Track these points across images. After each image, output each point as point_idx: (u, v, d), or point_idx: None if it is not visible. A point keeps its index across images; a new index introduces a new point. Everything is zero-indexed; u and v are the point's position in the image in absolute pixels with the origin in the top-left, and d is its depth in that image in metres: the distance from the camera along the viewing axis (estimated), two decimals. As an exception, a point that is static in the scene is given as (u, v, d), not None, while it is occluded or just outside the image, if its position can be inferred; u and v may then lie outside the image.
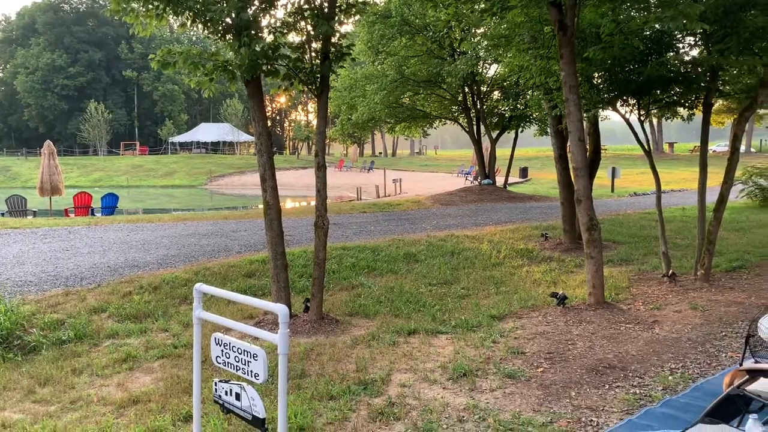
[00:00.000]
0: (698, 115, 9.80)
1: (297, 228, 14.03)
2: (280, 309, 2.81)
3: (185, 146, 72.03)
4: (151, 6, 6.53)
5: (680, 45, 9.61)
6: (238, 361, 3.06)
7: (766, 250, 10.71)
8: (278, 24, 7.08)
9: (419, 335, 6.40)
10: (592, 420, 4.19)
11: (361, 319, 7.30)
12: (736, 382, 3.76)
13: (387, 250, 11.27)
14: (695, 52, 9.98)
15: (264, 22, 6.98)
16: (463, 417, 4.31)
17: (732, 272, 9.21)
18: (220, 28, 6.56)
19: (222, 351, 3.14)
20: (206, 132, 70.83)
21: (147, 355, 6.15)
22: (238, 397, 3.09)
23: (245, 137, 69.25)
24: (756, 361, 4.18)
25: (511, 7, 6.99)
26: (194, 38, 76.37)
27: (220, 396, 3.19)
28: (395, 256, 10.78)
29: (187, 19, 6.67)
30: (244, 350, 3.01)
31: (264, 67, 6.84)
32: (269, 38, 6.99)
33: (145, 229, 14.23)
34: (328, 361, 5.64)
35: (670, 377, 4.90)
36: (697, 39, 9.33)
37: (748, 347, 4.75)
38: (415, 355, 5.73)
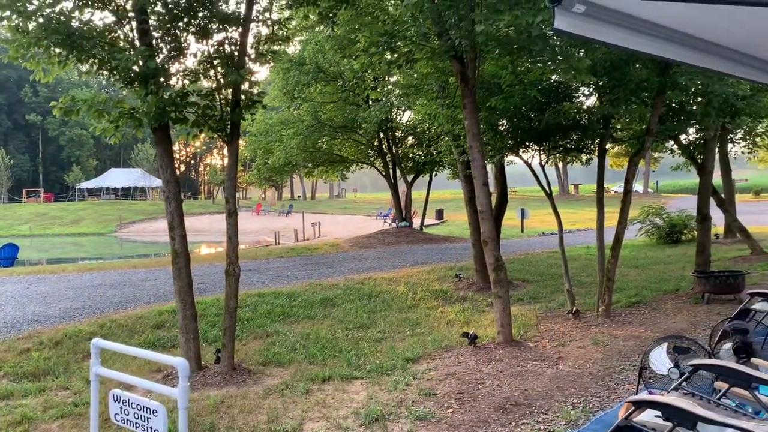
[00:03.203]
0: (596, 159, 10.49)
1: (210, 275, 13.71)
2: (179, 363, 2.78)
3: (94, 192, 69.09)
4: (52, 53, 6.38)
5: (576, 95, 10.31)
6: (137, 418, 2.97)
7: (661, 285, 11.41)
8: (187, 72, 7.08)
9: (334, 382, 6.37)
10: (499, 458, 4.30)
11: (275, 368, 7.19)
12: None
13: (304, 295, 11.20)
14: (591, 101, 10.74)
15: (172, 69, 6.96)
16: (375, 463, 4.32)
17: (631, 307, 9.74)
18: (127, 76, 6.47)
19: (121, 408, 3.05)
20: (116, 177, 68.40)
21: (45, 416, 5.79)
22: (137, 455, 3.00)
23: (158, 182, 67.23)
24: (650, 392, 4.45)
25: (417, 60, 7.32)
26: (104, 82, 74.18)
27: (118, 456, 3.08)
28: (312, 302, 10.73)
29: (92, 66, 6.55)
30: (144, 406, 2.94)
31: (172, 115, 6.79)
32: (178, 86, 6.96)
33: (48, 280, 13.50)
34: (238, 413, 5.52)
35: (572, 411, 5.11)
36: (590, 90, 10.04)
37: (641, 379, 5.05)
38: (328, 402, 5.70)
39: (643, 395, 4.33)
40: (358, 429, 4.97)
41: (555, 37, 6.99)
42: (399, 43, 7.64)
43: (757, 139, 14.78)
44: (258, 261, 16.60)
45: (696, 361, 3.59)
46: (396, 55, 7.48)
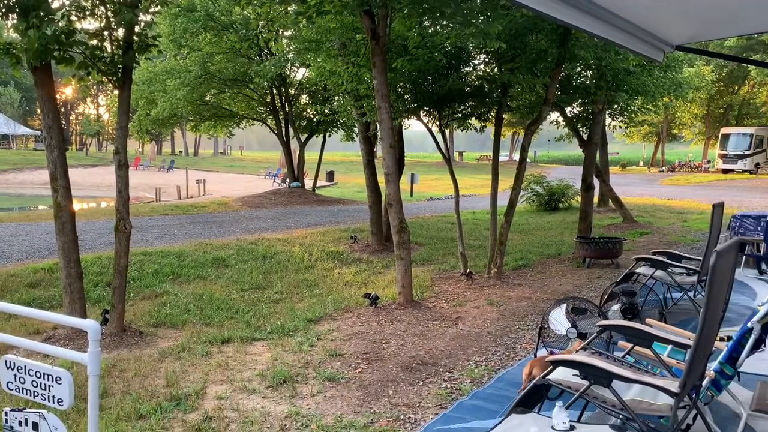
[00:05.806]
0: (489, 127, 10.75)
1: (88, 232, 12.82)
2: (90, 325, 2.51)
3: (-55, 138, 62.25)
4: None
5: (476, 61, 10.45)
6: (36, 386, 2.67)
7: (544, 250, 12.03)
8: (73, 6, 6.39)
9: (234, 344, 6.17)
10: (409, 417, 4.35)
11: (168, 330, 6.86)
12: (535, 372, 4.15)
13: (194, 254, 10.75)
14: (487, 69, 10.93)
15: (56, 3, 6.25)
16: (286, 426, 4.22)
17: (518, 270, 10.19)
18: (2, 4, 5.73)
19: (15, 376, 2.72)
20: (-26, 123, 61.91)
21: None
22: (36, 426, 2.71)
23: (23, 130, 61.64)
24: (551, 352, 4.66)
25: (326, 12, 7.05)
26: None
27: (11, 427, 2.77)
28: (203, 262, 10.32)
29: (-42, -10, 5.74)
30: (44, 373, 2.64)
31: (56, 54, 6.12)
32: (63, 22, 6.27)
33: None
34: (133, 377, 5.20)
35: (475, 370, 5.27)
36: (490, 57, 10.20)
37: (540, 338, 5.28)
38: (230, 364, 5.51)
39: (548, 353, 4.53)
40: (265, 391, 4.84)
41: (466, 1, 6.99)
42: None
43: (633, 116, 15.80)
44: (140, 218, 15.68)
45: (604, 322, 3.78)
46: (304, 6, 7.15)
